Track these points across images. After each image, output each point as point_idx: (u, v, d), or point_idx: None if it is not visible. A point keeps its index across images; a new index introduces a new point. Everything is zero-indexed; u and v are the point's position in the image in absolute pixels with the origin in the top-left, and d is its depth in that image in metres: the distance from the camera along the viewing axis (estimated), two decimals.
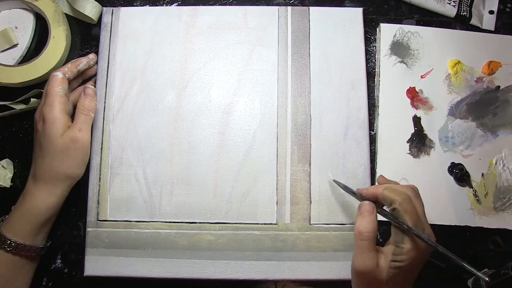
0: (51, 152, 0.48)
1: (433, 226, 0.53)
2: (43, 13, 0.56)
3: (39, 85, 0.56)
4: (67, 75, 0.51)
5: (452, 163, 0.55)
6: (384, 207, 0.45)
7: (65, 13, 0.59)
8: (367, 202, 0.44)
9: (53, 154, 0.48)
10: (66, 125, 0.49)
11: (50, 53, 0.56)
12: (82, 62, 0.54)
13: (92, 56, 0.55)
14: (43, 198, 0.49)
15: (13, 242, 0.47)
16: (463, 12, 0.59)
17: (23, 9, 0.59)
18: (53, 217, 0.51)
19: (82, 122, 0.51)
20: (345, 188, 0.50)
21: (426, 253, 0.42)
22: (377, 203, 0.45)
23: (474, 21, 0.59)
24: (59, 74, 0.51)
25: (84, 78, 0.56)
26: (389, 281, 0.41)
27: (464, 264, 0.40)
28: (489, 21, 0.59)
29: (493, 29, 0.59)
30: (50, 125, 0.48)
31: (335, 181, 0.51)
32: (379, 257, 0.42)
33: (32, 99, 0.55)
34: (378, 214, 0.44)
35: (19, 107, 0.56)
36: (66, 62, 0.58)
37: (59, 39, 0.56)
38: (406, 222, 0.41)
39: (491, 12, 0.59)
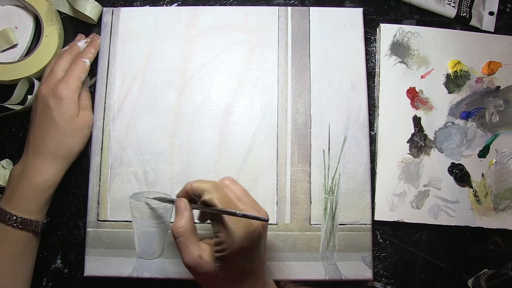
0: (67, 130, 0.50)
1: (433, 226, 0.53)
2: (36, 11, 0.56)
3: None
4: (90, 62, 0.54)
5: (452, 163, 0.55)
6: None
7: (65, 13, 0.59)
8: (179, 199, 0.44)
9: (69, 132, 0.50)
10: (78, 106, 0.52)
11: (42, 51, 0.56)
12: (100, 45, 0.56)
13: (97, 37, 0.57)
14: (52, 173, 0.49)
15: (19, 217, 0.47)
16: (463, 13, 0.59)
17: (21, 8, 0.58)
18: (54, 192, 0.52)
19: (89, 101, 0.54)
20: (162, 200, 0.50)
21: (247, 233, 0.40)
22: (193, 201, 0.44)
23: (473, 22, 0.59)
24: (87, 62, 0.53)
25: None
26: (223, 271, 0.41)
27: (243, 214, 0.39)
28: (489, 22, 0.59)
29: (492, 30, 0.59)
30: (69, 104, 0.50)
31: (154, 198, 0.51)
32: (203, 250, 0.41)
33: (29, 97, 0.55)
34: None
35: (18, 107, 0.56)
36: None
37: (51, 37, 0.56)
38: (215, 206, 0.41)
39: (491, 13, 0.59)
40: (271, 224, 0.53)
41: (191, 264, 0.41)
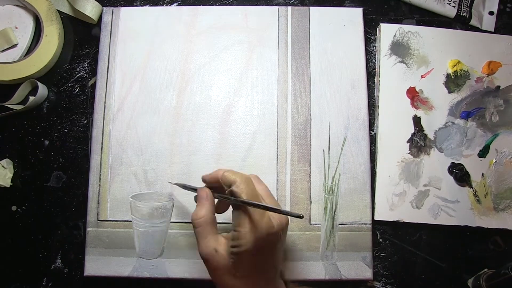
0: None
1: (433, 226, 0.53)
2: (36, 11, 0.56)
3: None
4: None
5: (452, 163, 0.55)
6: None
7: (65, 13, 0.59)
8: (202, 188, 0.44)
9: None
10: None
11: (42, 51, 0.56)
12: None
13: None
14: None
15: None
16: (463, 13, 0.59)
17: (21, 7, 0.58)
18: None
19: None
20: (185, 187, 0.49)
21: (267, 234, 0.39)
22: (218, 189, 0.43)
23: (474, 22, 0.59)
24: None
25: None
26: (236, 267, 0.40)
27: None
28: (489, 22, 0.59)
29: (492, 30, 0.59)
30: None
31: (177, 184, 0.51)
32: (219, 243, 0.41)
33: (30, 97, 0.55)
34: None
35: (18, 107, 0.56)
36: (59, 60, 0.58)
37: (51, 37, 0.56)
38: (241, 197, 0.40)
39: (491, 13, 0.59)
40: None
41: (206, 256, 0.41)
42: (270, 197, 0.44)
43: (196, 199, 0.45)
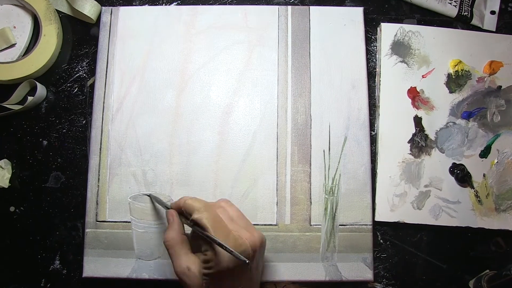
0: None
1: (434, 227, 0.53)
2: (35, 10, 0.56)
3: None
4: None
5: (454, 163, 0.54)
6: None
7: (64, 13, 0.59)
8: (169, 210, 0.45)
9: None
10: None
11: (41, 51, 0.55)
12: None
13: None
14: None
15: None
16: (464, 12, 0.59)
17: (19, 7, 0.58)
18: None
19: None
20: (159, 202, 0.50)
21: (232, 258, 0.40)
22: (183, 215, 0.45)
23: (475, 21, 0.59)
24: None
25: None
26: (209, 286, 0.41)
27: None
28: (490, 22, 0.59)
29: (494, 30, 0.58)
30: None
31: (150, 196, 0.52)
32: (192, 262, 0.42)
33: (28, 98, 0.55)
34: None
35: (17, 107, 0.55)
36: (58, 60, 0.58)
37: (50, 37, 0.56)
38: (204, 228, 0.41)
39: (492, 12, 0.59)
40: (271, 225, 0.53)
41: (180, 274, 0.42)
42: (240, 218, 0.45)
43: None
